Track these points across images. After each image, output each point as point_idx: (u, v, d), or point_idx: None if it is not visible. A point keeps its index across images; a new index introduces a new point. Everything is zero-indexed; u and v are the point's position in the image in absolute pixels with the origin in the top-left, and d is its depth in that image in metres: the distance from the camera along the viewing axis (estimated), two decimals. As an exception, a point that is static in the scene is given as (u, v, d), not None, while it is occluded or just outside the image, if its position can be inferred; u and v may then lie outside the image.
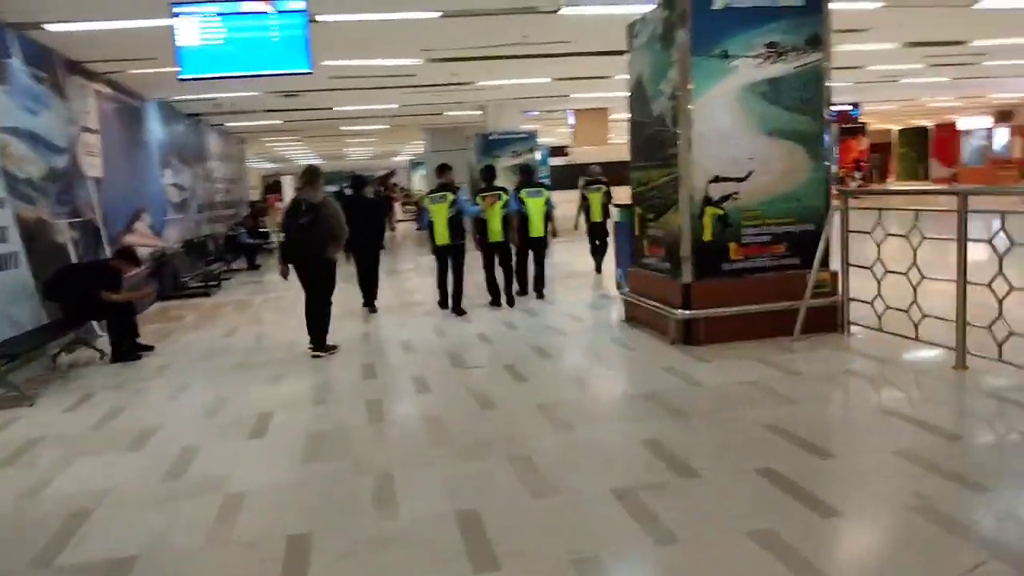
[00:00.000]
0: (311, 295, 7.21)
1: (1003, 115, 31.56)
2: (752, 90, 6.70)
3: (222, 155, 19.32)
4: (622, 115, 22.33)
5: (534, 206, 9.44)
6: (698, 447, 4.20)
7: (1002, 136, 31.59)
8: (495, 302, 9.28)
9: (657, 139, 7.15)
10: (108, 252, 9.93)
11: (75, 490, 4.20)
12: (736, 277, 6.79)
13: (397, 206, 32.32)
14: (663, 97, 6.99)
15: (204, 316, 10.40)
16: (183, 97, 13.41)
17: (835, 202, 6.79)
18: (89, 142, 9.60)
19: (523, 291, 9.77)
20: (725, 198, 6.74)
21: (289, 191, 35.13)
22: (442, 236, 8.84)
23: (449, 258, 8.97)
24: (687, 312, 6.66)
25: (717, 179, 6.73)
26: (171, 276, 12.50)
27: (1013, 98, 26.83)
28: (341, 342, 7.68)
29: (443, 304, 9.27)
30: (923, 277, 5.78)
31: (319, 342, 7.25)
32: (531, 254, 9.71)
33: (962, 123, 34.28)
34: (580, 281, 11.36)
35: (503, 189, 9.37)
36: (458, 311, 8.94)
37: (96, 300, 7.53)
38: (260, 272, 15.91)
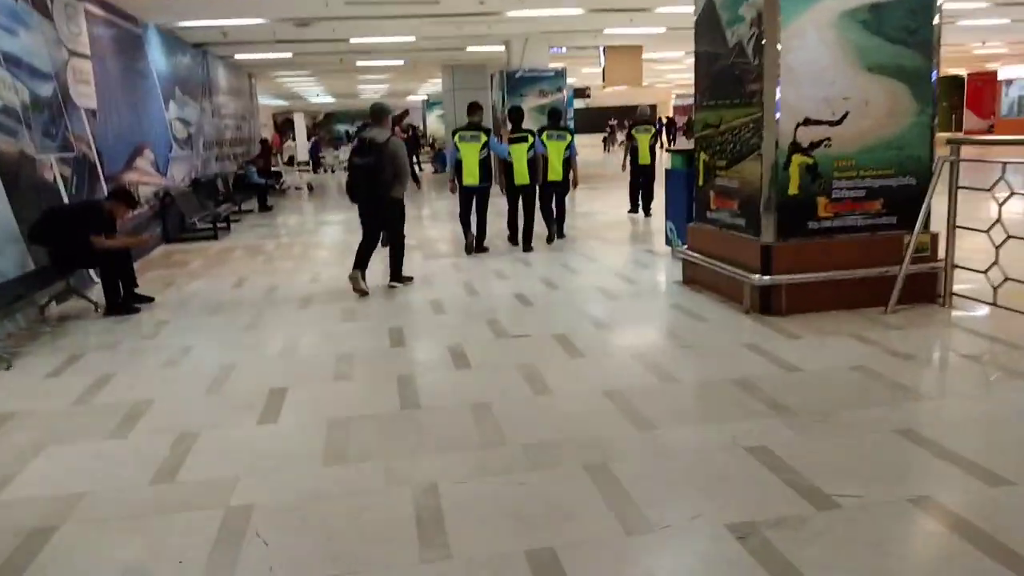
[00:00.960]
0: (371, 233, 7.27)
1: (1051, 63, 29.89)
2: (851, 17, 5.66)
3: (230, 89, 18.22)
4: (657, 54, 21.04)
5: (554, 149, 9.30)
6: (825, 463, 3.31)
7: (1048, 86, 30.01)
8: (513, 238, 9.37)
9: (732, 73, 6.12)
10: (106, 190, 9.04)
11: (40, 493, 3.37)
12: (825, 237, 5.83)
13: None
14: (742, 24, 5.95)
15: (211, 262, 9.53)
16: (187, 23, 12.32)
17: (941, 152, 5.78)
18: (80, 68, 8.60)
19: (550, 237, 9.61)
20: (816, 144, 5.75)
21: (301, 130, 33.97)
22: (472, 176, 8.68)
23: (475, 198, 8.93)
24: (766, 277, 5.73)
25: (807, 122, 5.72)
26: (176, 217, 11.61)
27: (1068, 45, 25.17)
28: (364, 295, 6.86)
29: (468, 248, 9.14)
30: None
31: (397, 275, 7.44)
32: (553, 198, 9.63)
33: (1004, 72, 32.66)
34: (620, 233, 10.42)
35: (531, 131, 9.22)
36: (480, 248, 9.07)
37: (87, 245, 6.66)
38: (272, 214, 14.99)
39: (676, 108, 47.86)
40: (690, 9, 6.93)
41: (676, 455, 3.48)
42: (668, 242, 8.41)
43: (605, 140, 37.80)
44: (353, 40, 15.23)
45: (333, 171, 29.26)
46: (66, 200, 7.80)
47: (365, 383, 4.74)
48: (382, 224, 7.28)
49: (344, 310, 6.64)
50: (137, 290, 7.19)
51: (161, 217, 11.35)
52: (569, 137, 9.44)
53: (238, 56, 17.58)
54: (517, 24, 14.25)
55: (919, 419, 3.78)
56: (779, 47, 5.60)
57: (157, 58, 12.02)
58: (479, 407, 4.14)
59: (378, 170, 6.81)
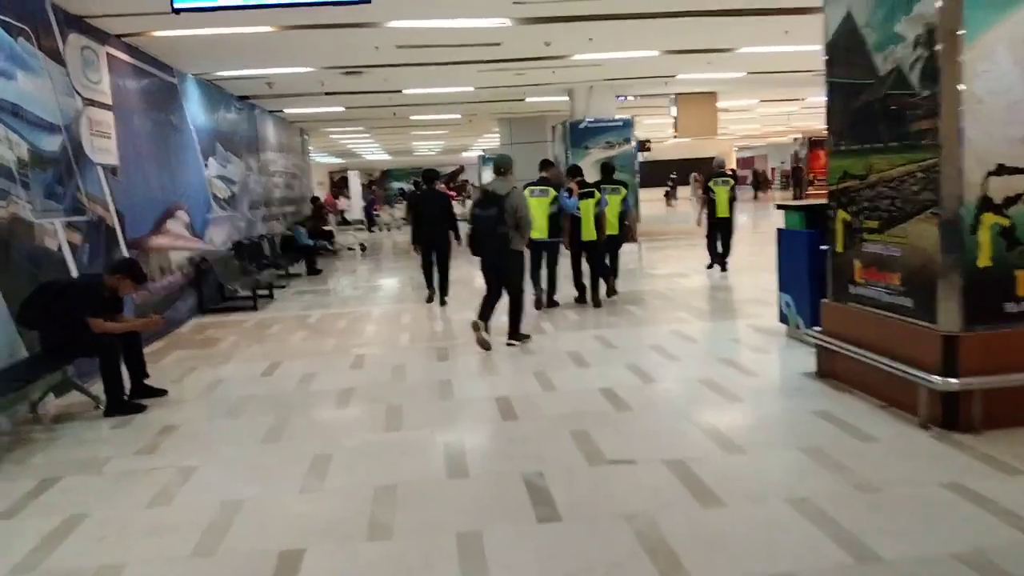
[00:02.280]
0: (494, 288, 7.10)
1: None
2: (1060, 30, 4.25)
3: (280, 146, 17.46)
4: (725, 102, 19.63)
5: (610, 203, 9.10)
6: None
7: None
8: (581, 299, 9.11)
9: (886, 109, 4.73)
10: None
11: None
12: (1031, 325, 4.34)
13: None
14: (900, 44, 4.57)
15: (245, 339, 8.37)
16: (227, 73, 11.46)
17: None
18: (98, 120, 7.64)
19: (609, 291, 9.42)
20: (1013, 200, 4.29)
21: (357, 187, 33.46)
22: (540, 230, 8.39)
23: (545, 254, 8.78)
24: (954, 380, 4.23)
25: (1001, 170, 4.28)
26: (213, 285, 10.57)
27: None
28: (413, 379, 5.54)
29: (538, 304, 8.90)
30: None
31: (515, 332, 7.16)
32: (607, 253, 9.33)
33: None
34: (709, 301, 8.98)
35: (597, 186, 9.08)
36: (551, 304, 8.96)
37: (84, 329, 5.52)
38: (321, 278, 13.93)
39: (739, 160, 46.28)
40: (776, 49, 5.58)
41: None
42: (783, 319, 6.94)
43: (667, 194, 36.40)
44: (407, 91, 14.29)
45: (389, 230, 28.41)
46: (74, 271, 6.74)
47: (409, 545, 3.36)
48: (502, 277, 7.01)
49: (389, 411, 5.32)
50: (147, 381, 6.02)
51: (196, 285, 10.32)
52: (624, 191, 9.38)
53: (288, 110, 16.84)
54: (582, 71, 13.12)
55: None
56: (962, 71, 4.21)
57: (195, 111, 11.16)
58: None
59: (499, 221, 6.70)
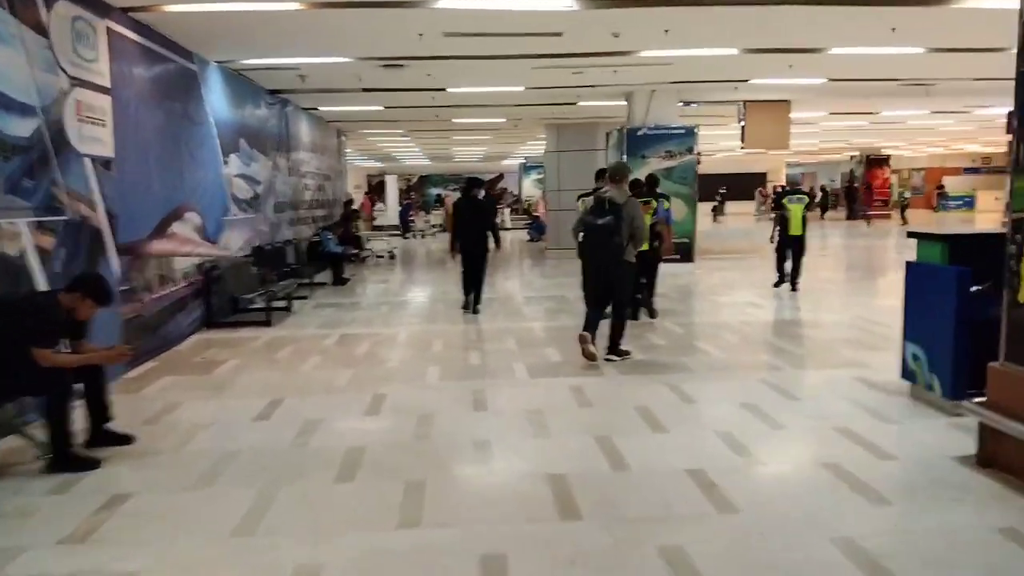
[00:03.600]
0: (601, 298, 6.82)
1: None
2: None
3: (314, 146, 16.36)
4: (796, 113, 17.94)
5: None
6: None
7: None
8: (633, 315, 8.38)
9: None
10: (116, 265, 6.85)
11: None
12: None
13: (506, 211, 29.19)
14: None
15: (248, 363, 7.15)
16: (255, 62, 10.32)
17: None
18: (90, 104, 6.47)
19: (651, 313, 8.93)
20: None
21: (393, 192, 32.40)
22: None
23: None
24: None
25: None
26: (225, 295, 9.39)
27: None
28: (441, 437, 4.22)
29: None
30: None
31: (615, 347, 6.83)
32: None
33: None
34: (801, 341, 7.50)
35: (657, 195, 8.97)
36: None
37: (28, 360, 4.31)
38: (347, 289, 12.72)
39: (788, 178, 44.39)
40: (873, 51, 4.29)
41: None
42: (907, 374, 5.51)
43: (714, 209, 34.87)
44: (452, 89, 13.05)
45: (423, 236, 27.33)
46: (42, 283, 5.56)
47: None
48: (611, 288, 6.72)
49: (408, 491, 4.00)
50: (109, 425, 4.79)
51: (205, 296, 9.15)
52: (654, 203, 8.84)
53: (324, 108, 15.72)
54: (647, 71, 11.75)
55: None
56: None
57: (217, 102, 10.02)
58: None
59: (615, 231, 6.48)
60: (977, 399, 4.34)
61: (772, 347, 7.42)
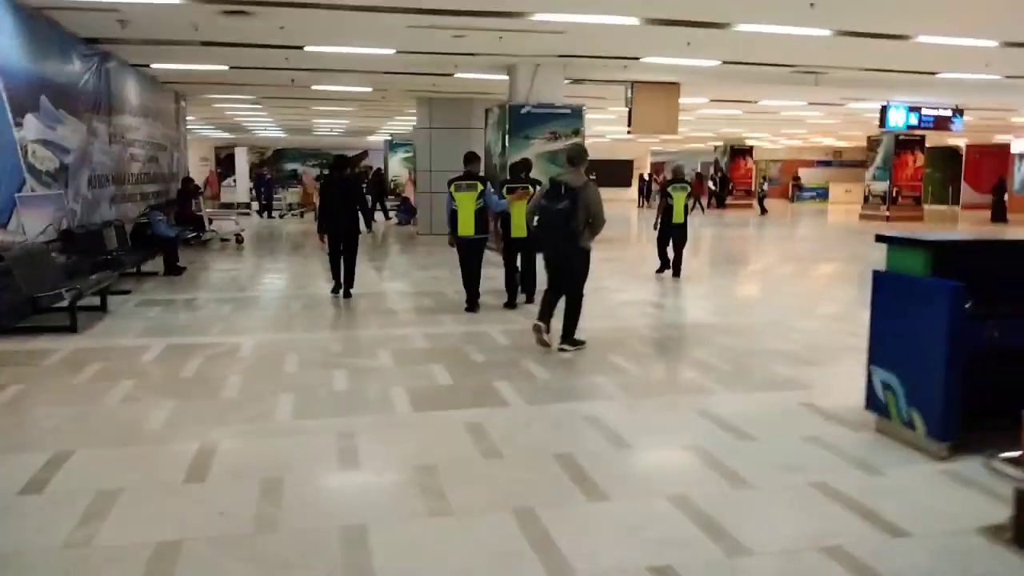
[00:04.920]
0: (558, 285, 6.54)
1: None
2: None
3: (146, 110, 14.05)
4: (698, 98, 17.11)
5: (515, 206, 8.43)
6: None
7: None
8: (511, 303, 8.69)
9: None
10: None
11: None
12: None
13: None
14: None
15: (30, 393, 5.33)
16: (56, -2, 8.24)
17: None
18: None
19: (529, 299, 8.77)
20: None
21: (244, 166, 29.62)
22: (467, 227, 8.22)
23: (468, 251, 8.40)
24: None
25: None
26: (15, 292, 7.35)
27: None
28: (293, 521, 2.77)
29: (470, 307, 8.42)
30: None
31: (569, 336, 6.53)
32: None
33: (1018, 145, 30.30)
34: (725, 353, 6.44)
35: (535, 182, 8.59)
36: (473, 307, 8.41)
37: None
38: (182, 282, 10.72)
39: (654, 165, 44.78)
40: (782, 30, 4.01)
41: None
42: (875, 406, 4.55)
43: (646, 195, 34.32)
44: (309, 48, 11.28)
45: (282, 216, 25.00)
46: None
47: None
48: (564, 275, 6.50)
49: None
50: None
51: (-15, 293, 7.11)
52: (531, 189, 8.36)
53: (156, 65, 13.45)
54: (535, 40, 10.50)
55: None
56: None
57: (5, 46, 7.89)
58: None
59: (572, 216, 6.17)
60: (1006, 455, 3.37)
61: (694, 361, 6.37)
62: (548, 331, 6.43)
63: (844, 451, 4.30)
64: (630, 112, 13.72)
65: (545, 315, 6.48)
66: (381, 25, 9.65)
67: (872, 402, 4.63)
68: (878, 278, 4.63)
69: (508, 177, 9.09)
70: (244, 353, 6.58)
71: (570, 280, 6.49)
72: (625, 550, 3.16)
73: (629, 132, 13.98)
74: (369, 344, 6.92)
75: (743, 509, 3.58)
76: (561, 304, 6.55)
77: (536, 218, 6.50)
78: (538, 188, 8.32)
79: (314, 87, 16.41)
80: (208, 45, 10.98)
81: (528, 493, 3.70)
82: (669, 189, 11.14)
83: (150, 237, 11.23)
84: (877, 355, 4.59)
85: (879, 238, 4.69)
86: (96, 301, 8.33)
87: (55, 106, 9.24)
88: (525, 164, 8.96)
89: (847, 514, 3.50)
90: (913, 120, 19.59)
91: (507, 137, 12.71)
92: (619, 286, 10.31)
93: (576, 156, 6.38)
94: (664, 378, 6.06)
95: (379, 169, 27.00)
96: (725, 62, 12.16)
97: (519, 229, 8.34)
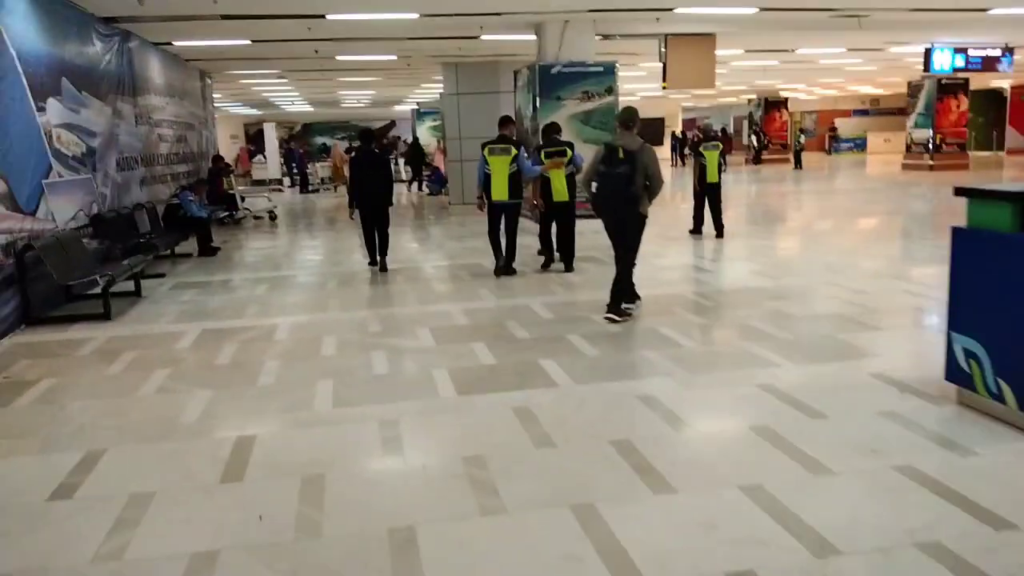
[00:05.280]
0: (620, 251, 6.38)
1: None
2: None
3: (171, 89, 13.84)
4: (732, 50, 16.34)
5: (555, 168, 8.43)
6: None
7: None
8: (547, 265, 8.82)
9: None
10: None
11: None
12: None
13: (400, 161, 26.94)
14: None
15: (64, 386, 5.19)
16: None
17: None
18: None
19: (568, 266, 8.68)
20: None
21: (273, 142, 29.43)
22: (500, 191, 8.20)
23: (504, 216, 8.40)
24: None
25: None
26: (46, 282, 7.25)
27: None
28: (337, 524, 2.56)
29: (498, 271, 8.53)
30: None
31: (616, 305, 6.36)
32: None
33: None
34: (781, 319, 6.09)
35: (569, 144, 8.62)
36: (508, 271, 8.46)
37: None
38: (217, 262, 10.59)
39: (685, 123, 43.76)
40: None
41: None
42: (956, 376, 4.19)
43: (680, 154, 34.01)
44: (332, 17, 10.94)
45: (317, 191, 24.81)
46: None
47: None
48: (624, 240, 6.37)
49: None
50: None
51: (20, 284, 7.00)
52: (570, 153, 8.48)
53: (179, 43, 13.22)
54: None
55: None
56: None
57: (22, 30, 7.67)
58: None
59: (630, 181, 6.05)
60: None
61: (748, 330, 6.02)
62: (628, 306, 6.44)
63: (926, 428, 3.96)
64: (664, 67, 13.19)
65: (630, 294, 6.49)
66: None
67: (953, 372, 4.26)
68: (958, 235, 4.23)
69: (542, 142, 8.95)
70: (280, 336, 6.39)
71: (626, 243, 6.34)
72: (699, 552, 2.88)
73: (664, 88, 13.45)
74: (408, 322, 6.68)
75: (824, 499, 3.27)
76: None
77: (594, 184, 6.31)
78: (575, 153, 8.17)
79: (338, 57, 16.08)
80: (228, 18, 10.69)
81: (586, 486, 3.43)
82: (701, 148, 10.95)
83: (182, 218, 11.08)
84: (958, 320, 4.22)
85: (958, 191, 4.28)
86: (130, 286, 8.23)
87: (78, 89, 9.04)
88: (555, 128, 8.91)
89: (940, 503, 3.18)
90: (960, 62, 18.61)
91: (537, 99, 12.29)
92: (659, 249, 9.94)
93: (629, 119, 6.22)
94: (720, 350, 5.73)
95: (415, 139, 26.49)
96: (763, 9, 11.57)
97: (559, 194, 8.40)
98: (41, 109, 7.95)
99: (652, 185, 6.13)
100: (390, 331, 6.42)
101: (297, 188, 24.79)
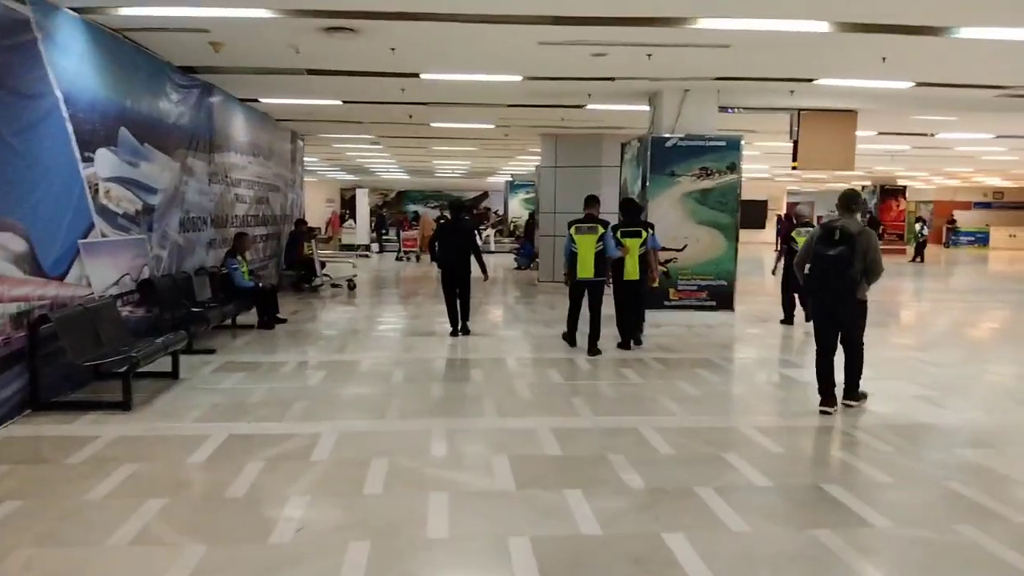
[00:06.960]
0: (832, 339, 6.17)
1: None
2: None
3: (256, 148, 13.10)
4: (864, 131, 14.46)
5: (632, 247, 8.54)
6: None
7: None
8: (624, 344, 8.71)
9: None
10: None
11: None
12: None
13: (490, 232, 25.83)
14: None
15: (27, 514, 3.87)
16: (129, 12, 7.05)
17: None
18: None
19: (637, 340, 8.89)
20: None
21: (364, 207, 28.98)
22: (586, 269, 8.28)
23: (588, 294, 8.45)
24: None
25: None
26: (60, 362, 6.11)
27: None
28: None
29: (570, 340, 8.79)
30: None
31: (853, 391, 6.24)
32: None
33: None
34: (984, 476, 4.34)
35: (647, 225, 8.86)
36: (593, 351, 8.31)
37: None
38: (273, 339, 9.40)
39: (790, 205, 41.65)
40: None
41: None
42: None
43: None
44: (426, 76, 9.89)
45: (418, 259, 23.67)
46: None
47: None
48: (844, 326, 6.07)
49: None
50: None
51: (29, 361, 5.90)
52: (645, 234, 8.61)
53: (266, 100, 12.49)
54: (685, 59, 8.70)
55: None
56: None
57: (74, 70, 6.78)
58: None
59: (850, 263, 5.84)
60: None
61: (957, 500, 4.27)
62: (835, 404, 6.15)
63: None
64: (795, 144, 11.62)
65: (829, 379, 6.15)
66: (508, 44, 8.12)
67: None
68: None
69: (620, 220, 8.91)
70: (320, 454, 4.98)
71: (850, 331, 6.13)
72: None
73: (794, 167, 11.84)
74: (481, 445, 5.20)
75: None
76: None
77: (807, 266, 6.16)
78: (651, 234, 8.67)
79: (433, 124, 15.17)
80: (315, 73, 9.78)
81: None
82: (792, 233, 10.30)
83: (233, 288, 9.99)
84: None
85: None
86: (168, 364, 7.06)
87: (139, 140, 8.14)
88: (634, 206, 9.09)
89: None
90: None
91: (648, 174, 10.88)
92: (786, 356, 8.20)
93: (852, 200, 6.14)
94: (928, 536, 3.99)
95: (532, 212, 24.25)
96: (919, 83, 9.94)
97: (630, 273, 8.54)
98: (88, 160, 7.00)
99: (871, 269, 5.92)
100: (456, 458, 4.94)
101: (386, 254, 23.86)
